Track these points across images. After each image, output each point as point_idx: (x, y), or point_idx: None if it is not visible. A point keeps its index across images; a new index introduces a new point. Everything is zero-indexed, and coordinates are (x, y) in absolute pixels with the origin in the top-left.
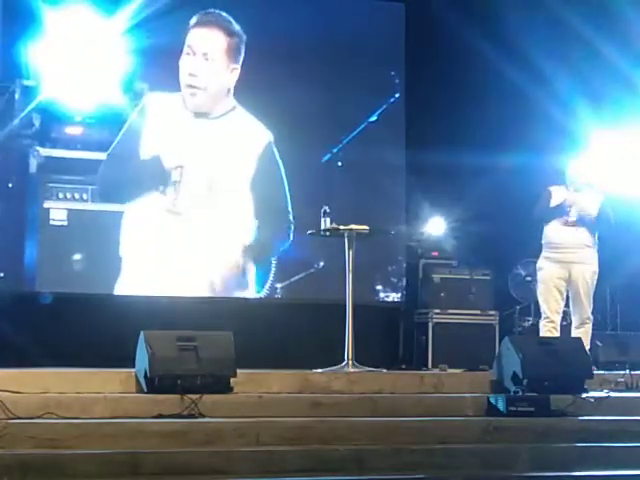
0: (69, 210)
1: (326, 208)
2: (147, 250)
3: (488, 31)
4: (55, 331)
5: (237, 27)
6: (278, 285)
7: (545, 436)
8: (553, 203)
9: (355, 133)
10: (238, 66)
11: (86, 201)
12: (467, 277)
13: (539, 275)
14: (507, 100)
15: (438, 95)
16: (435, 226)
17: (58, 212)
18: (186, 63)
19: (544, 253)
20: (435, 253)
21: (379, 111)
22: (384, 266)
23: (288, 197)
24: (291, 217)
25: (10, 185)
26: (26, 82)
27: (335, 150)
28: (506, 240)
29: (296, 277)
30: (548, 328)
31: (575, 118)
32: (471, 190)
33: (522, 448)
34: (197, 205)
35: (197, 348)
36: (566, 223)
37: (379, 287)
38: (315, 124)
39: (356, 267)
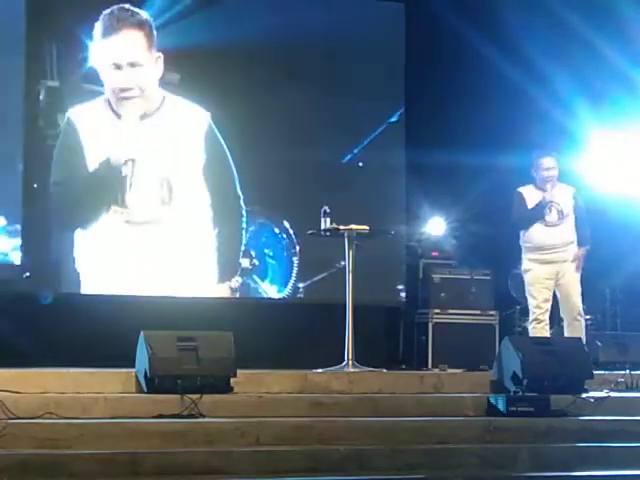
0: None
1: (326, 208)
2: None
3: (488, 31)
4: (55, 331)
5: (139, 12)
6: (300, 285)
7: (545, 436)
8: (530, 205)
9: (376, 134)
10: (160, 53)
11: None
12: (467, 277)
13: (527, 277)
14: (507, 100)
15: (438, 95)
16: (435, 226)
17: None
18: (114, 79)
19: (529, 255)
20: (435, 253)
21: (399, 112)
22: (384, 266)
23: (237, 181)
24: (242, 203)
25: (35, 185)
26: (51, 83)
27: (356, 151)
28: (506, 240)
29: (318, 277)
30: (538, 329)
31: (575, 118)
32: (471, 190)
33: (522, 448)
34: (155, 211)
35: (197, 348)
36: (547, 223)
37: (379, 287)
38: (314, 124)
39: (356, 267)
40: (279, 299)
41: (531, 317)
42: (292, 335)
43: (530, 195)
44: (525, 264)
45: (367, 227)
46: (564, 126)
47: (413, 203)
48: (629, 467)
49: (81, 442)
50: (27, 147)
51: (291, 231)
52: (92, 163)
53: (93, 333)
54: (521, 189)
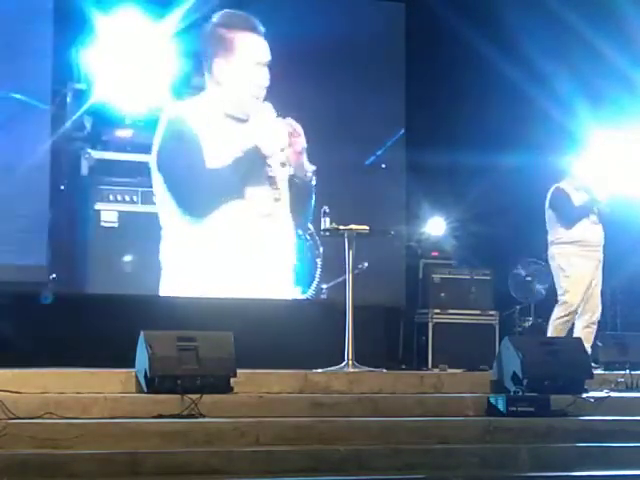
0: (120, 212)
1: (326, 208)
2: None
3: (488, 31)
4: (54, 331)
5: None
6: (324, 286)
7: (545, 436)
8: (578, 202)
9: (398, 136)
10: None
11: (136, 203)
12: (467, 277)
13: (571, 271)
14: (507, 100)
15: (438, 95)
16: (435, 226)
17: (109, 214)
18: (259, 74)
19: (574, 250)
20: (435, 253)
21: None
22: (384, 266)
23: None
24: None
25: (62, 187)
26: (78, 85)
27: (379, 152)
28: (506, 240)
29: (340, 278)
30: (566, 325)
31: (575, 118)
32: (471, 190)
33: (522, 448)
34: (270, 208)
35: (197, 348)
36: (593, 221)
37: (379, 287)
38: (316, 125)
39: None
40: (279, 299)
41: (561, 313)
42: (292, 335)
43: (571, 192)
44: (570, 259)
45: (367, 227)
46: (564, 126)
47: (413, 203)
48: (629, 467)
49: (81, 442)
50: (54, 149)
51: (314, 232)
52: (211, 158)
53: (93, 333)
54: (561, 185)
